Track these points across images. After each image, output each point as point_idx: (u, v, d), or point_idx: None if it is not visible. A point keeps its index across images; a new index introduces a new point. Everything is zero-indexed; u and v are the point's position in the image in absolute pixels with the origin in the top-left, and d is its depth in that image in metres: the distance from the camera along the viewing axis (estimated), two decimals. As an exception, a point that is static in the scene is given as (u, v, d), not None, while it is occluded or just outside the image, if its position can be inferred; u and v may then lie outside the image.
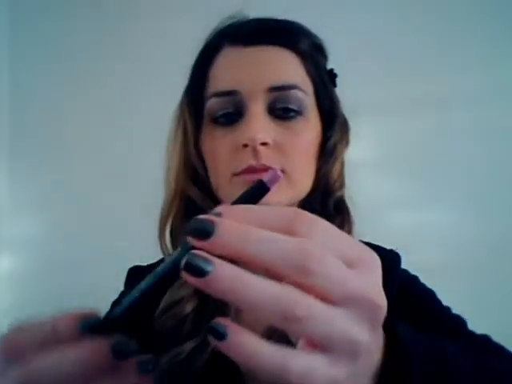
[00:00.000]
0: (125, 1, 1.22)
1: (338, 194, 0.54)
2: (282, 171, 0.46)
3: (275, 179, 0.27)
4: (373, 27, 1.14)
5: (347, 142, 0.56)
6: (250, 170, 0.45)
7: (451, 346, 0.31)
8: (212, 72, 0.50)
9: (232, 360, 0.43)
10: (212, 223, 0.21)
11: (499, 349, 0.47)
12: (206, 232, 0.21)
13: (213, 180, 0.50)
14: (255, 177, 0.44)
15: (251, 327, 0.48)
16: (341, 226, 0.52)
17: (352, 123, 1.14)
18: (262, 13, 0.54)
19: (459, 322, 0.52)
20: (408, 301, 0.49)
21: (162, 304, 0.49)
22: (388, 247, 0.59)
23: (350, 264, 0.23)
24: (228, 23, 0.53)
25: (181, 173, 0.52)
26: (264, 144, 0.45)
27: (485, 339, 0.49)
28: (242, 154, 0.46)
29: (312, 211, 0.55)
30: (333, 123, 0.53)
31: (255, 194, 0.26)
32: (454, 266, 1.08)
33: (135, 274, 0.59)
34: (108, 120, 1.19)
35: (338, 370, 0.22)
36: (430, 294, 0.56)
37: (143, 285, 0.24)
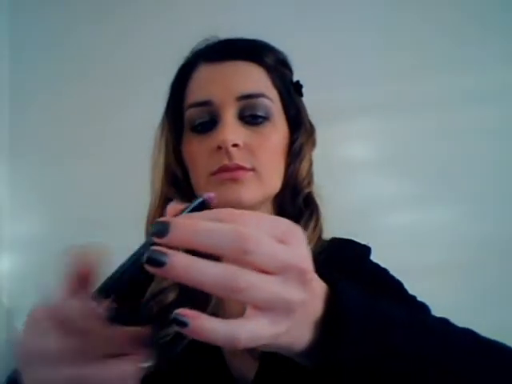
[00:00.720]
0: (126, 1, 1.22)
1: (307, 190, 0.59)
2: (253, 169, 0.53)
3: (212, 200, 0.32)
4: (373, 27, 1.14)
5: (313, 144, 0.62)
6: (224, 168, 0.52)
7: (387, 302, 0.36)
8: (189, 87, 0.57)
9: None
10: (167, 223, 0.26)
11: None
12: (162, 231, 0.26)
13: (193, 181, 0.56)
14: (229, 175, 0.52)
15: (232, 310, 0.52)
16: (309, 219, 0.58)
17: (352, 123, 1.15)
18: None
19: (423, 309, 0.56)
20: (376, 290, 0.52)
21: (148, 294, 0.55)
22: (363, 242, 0.63)
23: (279, 240, 0.28)
24: (203, 44, 0.61)
25: (164, 179, 0.59)
26: (235, 145, 0.52)
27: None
28: (217, 156, 0.52)
29: (283, 207, 0.57)
30: (299, 127, 0.59)
31: (197, 209, 0.31)
32: (454, 265, 1.08)
33: None
34: (109, 120, 1.19)
35: (278, 327, 0.27)
36: (396, 284, 0.59)
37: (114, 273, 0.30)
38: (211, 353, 0.54)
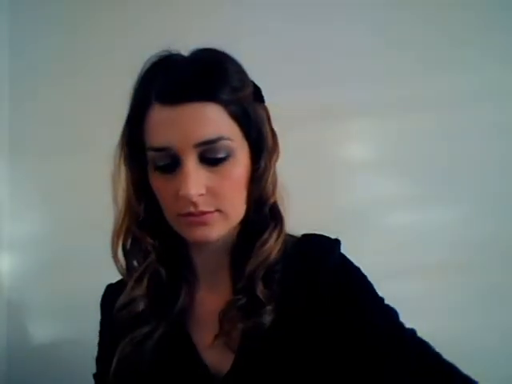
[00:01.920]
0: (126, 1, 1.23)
1: (270, 201, 0.60)
2: (218, 211, 0.55)
3: None
4: (372, 27, 1.14)
5: (278, 155, 0.62)
6: (190, 214, 0.54)
7: None
8: (146, 127, 0.57)
9: (185, 338, 0.60)
10: None
11: (421, 343, 0.55)
12: None
13: (164, 211, 0.59)
14: (196, 220, 0.54)
15: (206, 314, 0.60)
16: (273, 230, 0.60)
17: (352, 123, 1.15)
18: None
19: (390, 313, 0.57)
20: (336, 291, 0.56)
21: (119, 303, 0.60)
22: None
23: None
24: (155, 75, 0.60)
25: (130, 199, 0.64)
26: (200, 195, 0.54)
27: (412, 334, 0.56)
28: (182, 202, 0.54)
29: (249, 221, 0.60)
30: (261, 149, 0.59)
31: None
32: (454, 265, 1.08)
33: (109, 294, 0.69)
34: (109, 120, 1.19)
35: None
36: (362, 284, 0.59)
37: None
38: (183, 348, 0.60)
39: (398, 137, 1.14)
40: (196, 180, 0.53)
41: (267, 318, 0.55)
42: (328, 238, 0.61)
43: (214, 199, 0.55)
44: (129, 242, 0.64)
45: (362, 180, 1.13)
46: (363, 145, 1.17)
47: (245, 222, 0.60)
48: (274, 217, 0.60)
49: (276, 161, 0.61)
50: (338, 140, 1.14)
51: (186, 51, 0.62)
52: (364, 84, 1.13)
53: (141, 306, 0.59)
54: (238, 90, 0.57)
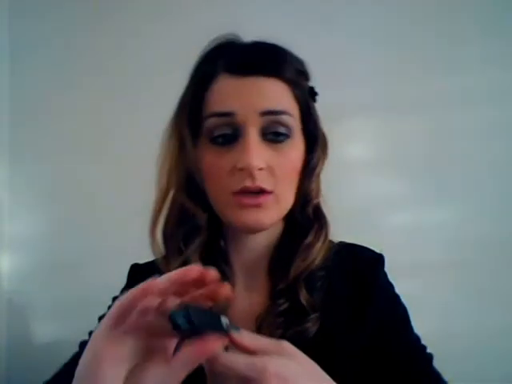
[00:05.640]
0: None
1: (315, 201, 0.59)
2: (272, 192, 0.53)
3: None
4: (373, 28, 1.14)
5: (326, 156, 0.61)
6: (246, 190, 0.52)
7: None
8: (209, 97, 0.55)
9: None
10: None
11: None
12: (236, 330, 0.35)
13: (211, 194, 0.56)
14: (252, 201, 0.52)
15: (242, 317, 0.56)
16: (319, 231, 0.58)
17: (352, 123, 1.15)
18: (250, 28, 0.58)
19: (424, 356, 0.55)
20: (383, 317, 0.55)
21: None
22: (374, 248, 0.62)
23: None
24: (222, 50, 0.58)
25: (176, 184, 0.58)
26: (259, 169, 0.52)
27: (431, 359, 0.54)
28: (239, 175, 0.52)
29: (293, 220, 0.57)
30: (315, 143, 0.59)
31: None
32: (454, 265, 1.08)
33: (136, 272, 0.65)
34: (109, 119, 1.20)
35: None
36: (403, 313, 0.58)
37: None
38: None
39: (397, 137, 1.14)
40: (259, 151, 0.52)
41: (312, 328, 0.53)
42: (374, 252, 0.61)
43: (271, 177, 0.53)
44: (171, 224, 0.59)
45: (361, 180, 1.13)
46: (363, 145, 1.17)
47: (288, 220, 0.58)
48: (318, 218, 0.59)
49: (324, 162, 0.60)
50: (338, 140, 1.14)
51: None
52: (364, 84, 1.13)
53: None
54: (302, 74, 0.58)
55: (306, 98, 0.58)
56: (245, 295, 0.58)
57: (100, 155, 1.19)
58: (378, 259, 0.60)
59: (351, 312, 0.55)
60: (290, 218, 0.58)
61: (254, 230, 0.54)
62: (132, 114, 1.17)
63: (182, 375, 0.33)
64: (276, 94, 0.54)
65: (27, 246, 1.22)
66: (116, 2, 1.23)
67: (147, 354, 0.34)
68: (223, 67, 0.55)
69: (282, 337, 0.52)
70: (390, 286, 0.59)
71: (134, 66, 1.19)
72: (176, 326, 0.31)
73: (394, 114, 1.14)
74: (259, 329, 0.54)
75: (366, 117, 1.15)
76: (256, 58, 0.55)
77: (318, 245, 0.56)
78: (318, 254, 0.56)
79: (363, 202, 1.12)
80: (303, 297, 0.54)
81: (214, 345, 0.32)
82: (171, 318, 0.31)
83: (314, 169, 0.58)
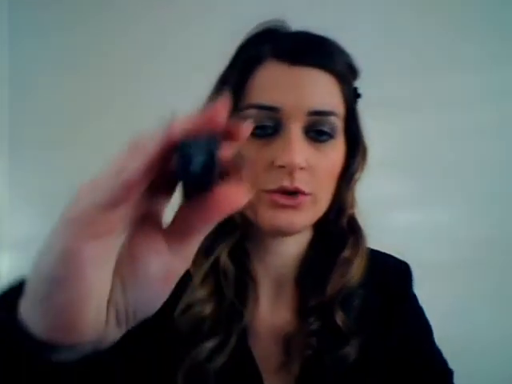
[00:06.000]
0: None
1: (351, 211, 0.55)
2: (310, 194, 0.48)
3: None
4: (373, 26, 1.14)
5: (366, 164, 0.57)
6: (283, 190, 0.47)
7: None
8: (253, 82, 0.51)
9: (250, 360, 0.49)
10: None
11: None
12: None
13: None
14: (288, 202, 0.47)
15: (267, 332, 0.52)
16: (355, 244, 0.54)
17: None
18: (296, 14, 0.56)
19: (445, 372, 0.54)
20: (409, 333, 0.53)
21: (181, 305, 0.50)
22: (396, 255, 0.61)
23: None
24: (271, 33, 0.54)
25: None
26: (300, 168, 0.47)
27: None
28: (277, 173, 0.47)
29: (324, 227, 0.54)
30: (356, 147, 0.55)
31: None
32: (454, 265, 1.08)
33: None
34: (109, 118, 1.19)
35: None
36: (428, 330, 0.56)
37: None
38: (248, 371, 0.50)
39: (398, 137, 1.14)
40: (302, 149, 0.47)
41: (352, 353, 0.49)
42: (402, 262, 0.59)
43: (311, 178, 0.48)
44: None
45: (362, 180, 1.13)
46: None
47: (318, 229, 0.55)
48: (354, 230, 0.55)
49: (363, 169, 0.56)
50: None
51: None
52: (364, 84, 1.13)
53: (207, 309, 0.50)
54: (351, 69, 0.54)
55: (352, 96, 0.54)
56: (270, 309, 0.54)
57: (103, 154, 1.18)
58: (407, 270, 0.58)
59: (382, 328, 0.52)
60: (320, 226, 0.54)
61: (286, 233, 0.50)
62: (134, 113, 1.16)
63: (189, 253, 0.26)
64: (326, 91, 0.50)
65: (27, 245, 1.22)
66: None
67: (133, 224, 0.26)
68: (271, 52, 0.51)
69: (316, 359, 0.48)
70: (417, 298, 0.58)
71: (136, 56, 1.18)
72: (187, 168, 0.22)
73: (394, 114, 1.13)
74: (287, 348, 0.50)
75: (366, 117, 1.15)
76: (307, 46, 0.51)
77: (357, 260, 0.52)
78: (357, 270, 0.52)
79: (364, 203, 1.11)
80: (339, 318, 0.50)
81: (241, 193, 0.24)
82: (182, 153, 0.22)
83: (353, 174, 0.54)
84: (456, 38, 1.13)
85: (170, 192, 0.27)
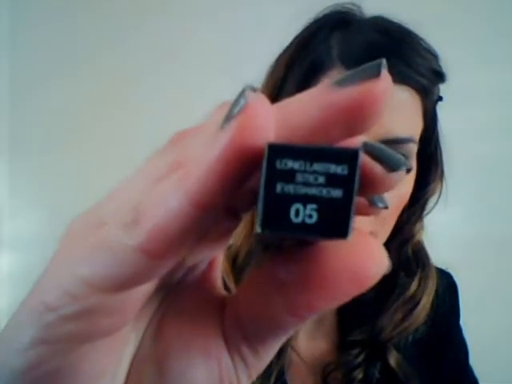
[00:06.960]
0: None
1: (417, 237, 0.48)
2: (370, 233, 0.41)
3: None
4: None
5: (442, 188, 0.48)
6: None
7: None
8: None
9: None
10: None
11: None
12: None
13: None
14: None
15: (305, 364, 0.46)
16: (424, 279, 0.46)
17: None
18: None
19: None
20: (454, 349, 0.49)
21: None
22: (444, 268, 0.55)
23: None
24: (341, 32, 0.44)
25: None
26: None
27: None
28: None
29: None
30: (432, 171, 0.46)
31: None
32: (454, 265, 1.08)
33: None
34: (110, 119, 1.19)
35: None
36: (465, 346, 0.53)
37: None
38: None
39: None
40: None
41: None
42: (449, 274, 0.52)
43: (373, 218, 0.40)
44: (243, 254, 0.45)
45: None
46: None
47: None
48: (421, 261, 0.47)
49: (440, 194, 0.47)
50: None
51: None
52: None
53: None
54: (437, 76, 0.44)
55: (433, 110, 0.45)
56: (309, 340, 0.48)
57: (103, 155, 1.19)
58: (454, 284, 0.52)
59: (433, 355, 0.47)
60: None
61: None
62: (134, 114, 1.16)
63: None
64: (405, 113, 0.41)
65: (28, 246, 1.22)
66: None
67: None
68: (340, 57, 0.42)
69: None
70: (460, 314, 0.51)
71: (137, 57, 1.18)
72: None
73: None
74: (325, 381, 0.45)
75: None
76: (384, 51, 0.41)
77: (424, 300, 0.45)
78: (423, 311, 0.44)
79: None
80: (393, 360, 0.43)
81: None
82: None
83: (425, 203, 0.46)
84: (457, 37, 1.13)
85: (231, 228, 0.15)
